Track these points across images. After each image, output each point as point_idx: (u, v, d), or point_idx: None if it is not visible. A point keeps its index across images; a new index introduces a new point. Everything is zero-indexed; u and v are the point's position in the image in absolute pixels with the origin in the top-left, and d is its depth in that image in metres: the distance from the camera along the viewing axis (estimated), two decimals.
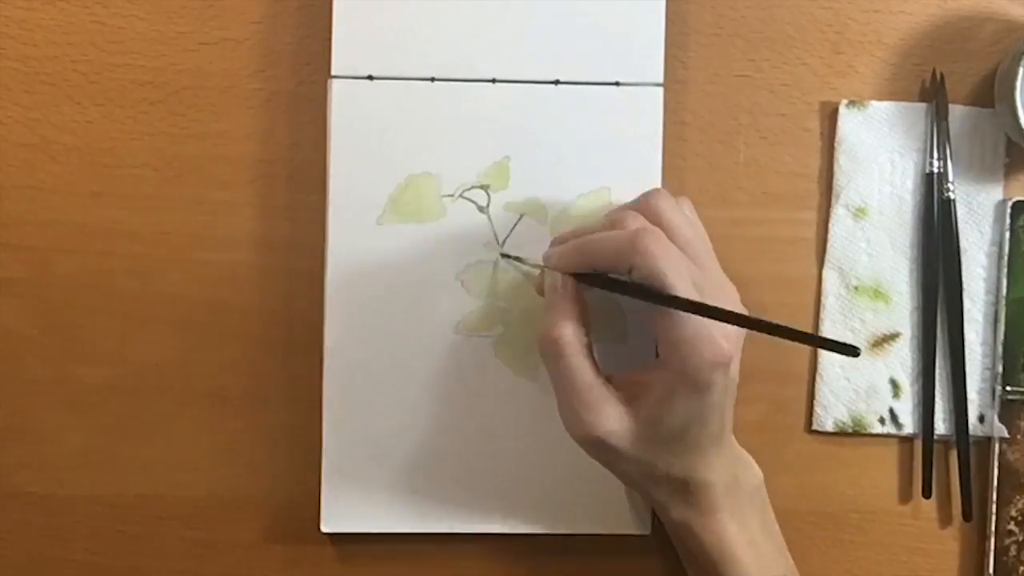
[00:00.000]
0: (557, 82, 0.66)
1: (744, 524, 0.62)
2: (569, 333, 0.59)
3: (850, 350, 0.52)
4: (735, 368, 0.60)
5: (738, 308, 0.60)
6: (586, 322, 0.61)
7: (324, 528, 0.66)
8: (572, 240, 0.62)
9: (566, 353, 0.59)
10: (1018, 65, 0.66)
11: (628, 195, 0.66)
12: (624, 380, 0.61)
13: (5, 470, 0.68)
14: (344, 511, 0.66)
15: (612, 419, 0.59)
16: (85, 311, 0.67)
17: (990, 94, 0.69)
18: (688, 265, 0.58)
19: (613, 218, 0.61)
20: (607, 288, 0.60)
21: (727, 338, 0.57)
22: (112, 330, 0.67)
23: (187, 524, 0.68)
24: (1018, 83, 0.66)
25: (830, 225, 0.70)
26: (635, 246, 0.57)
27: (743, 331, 0.59)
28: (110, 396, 0.67)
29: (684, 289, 0.57)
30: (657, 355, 0.63)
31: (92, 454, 0.67)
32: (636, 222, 0.60)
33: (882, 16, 0.69)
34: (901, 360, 0.70)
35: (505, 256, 0.66)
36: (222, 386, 0.68)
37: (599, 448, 0.60)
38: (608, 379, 0.60)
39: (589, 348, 0.60)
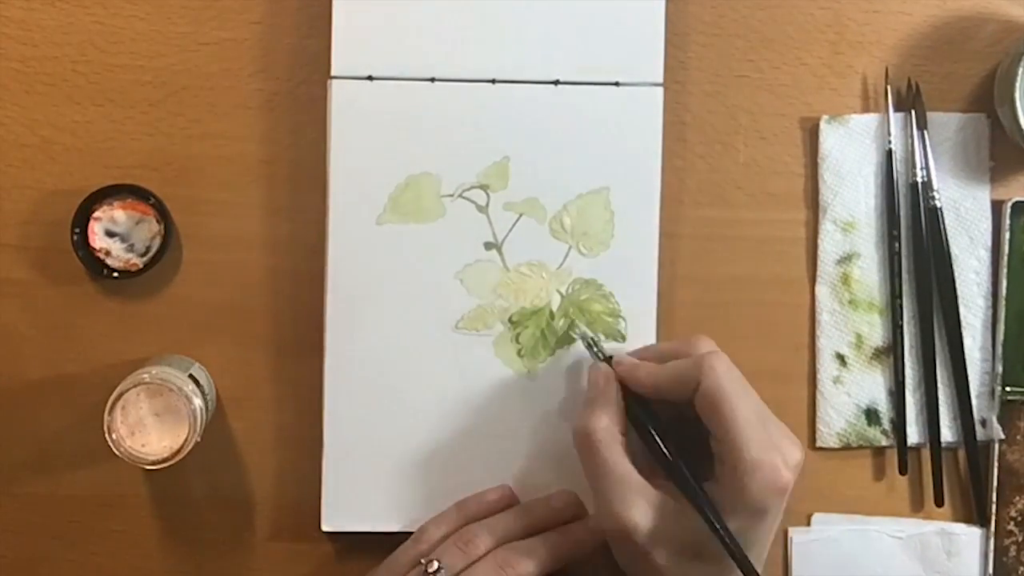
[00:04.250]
0: (557, 82, 0.66)
1: None
2: (604, 427, 0.60)
3: None
4: (787, 499, 0.59)
5: (799, 453, 0.59)
6: (623, 422, 0.61)
7: (324, 527, 0.66)
8: (644, 356, 0.63)
9: (600, 446, 0.59)
10: (1018, 66, 0.66)
11: (628, 195, 0.66)
12: (668, 486, 0.60)
13: (5, 470, 0.68)
14: (344, 510, 0.66)
15: (642, 514, 0.59)
16: (85, 311, 0.67)
17: (990, 95, 0.69)
18: (753, 394, 0.59)
19: (676, 344, 0.63)
20: (643, 425, 0.61)
21: (787, 465, 0.58)
22: (112, 330, 0.67)
23: (187, 524, 0.68)
24: (1018, 84, 0.66)
25: (819, 241, 0.69)
26: (703, 365, 0.58)
27: (803, 457, 0.59)
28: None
29: (745, 412, 0.58)
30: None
31: (92, 454, 0.67)
32: (706, 345, 0.62)
33: (882, 16, 0.69)
34: (900, 370, 0.70)
35: (582, 335, 0.66)
36: (222, 386, 0.68)
37: (626, 542, 0.59)
38: (653, 484, 0.60)
39: (624, 446, 0.60)
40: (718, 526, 0.57)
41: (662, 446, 0.60)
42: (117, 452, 0.60)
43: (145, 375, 0.61)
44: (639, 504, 0.59)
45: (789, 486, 0.58)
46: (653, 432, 0.61)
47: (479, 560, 0.62)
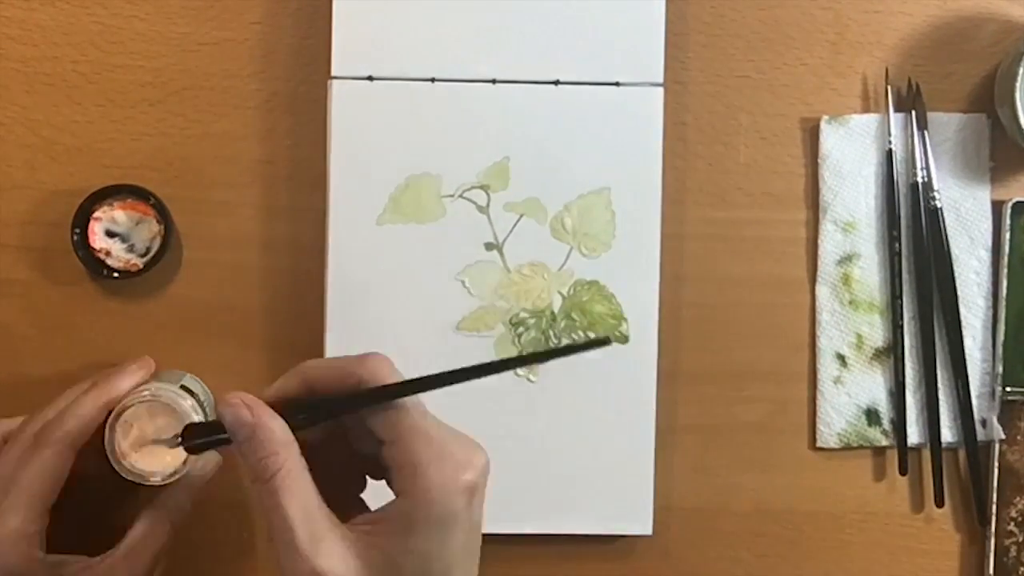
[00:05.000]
0: (557, 82, 0.66)
1: None
2: (288, 460, 0.50)
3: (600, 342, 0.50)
4: (480, 509, 0.52)
5: (480, 456, 0.52)
6: (303, 452, 0.51)
7: None
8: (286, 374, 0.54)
9: (282, 482, 0.50)
10: (1018, 66, 0.65)
11: (629, 195, 0.66)
12: (360, 522, 0.51)
13: None
14: None
15: (335, 557, 0.49)
16: (85, 311, 0.67)
17: (990, 95, 0.69)
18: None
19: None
20: (320, 413, 0.52)
21: (471, 465, 0.51)
22: (112, 330, 0.67)
23: (187, 526, 0.68)
24: (1018, 84, 0.66)
25: (819, 241, 0.69)
26: (364, 362, 0.51)
27: (486, 460, 0.52)
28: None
29: (415, 412, 0.51)
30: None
31: None
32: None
33: (882, 17, 0.69)
34: (900, 370, 0.70)
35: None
36: (221, 386, 0.68)
37: None
38: (340, 522, 0.51)
39: (310, 481, 0.51)
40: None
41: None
42: (120, 471, 0.60)
43: (146, 392, 0.60)
44: (327, 546, 0.50)
45: (475, 486, 0.51)
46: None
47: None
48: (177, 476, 0.60)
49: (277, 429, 0.51)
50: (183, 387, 0.63)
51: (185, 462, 0.60)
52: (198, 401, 0.63)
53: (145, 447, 0.60)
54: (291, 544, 0.49)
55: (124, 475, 0.60)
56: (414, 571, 0.50)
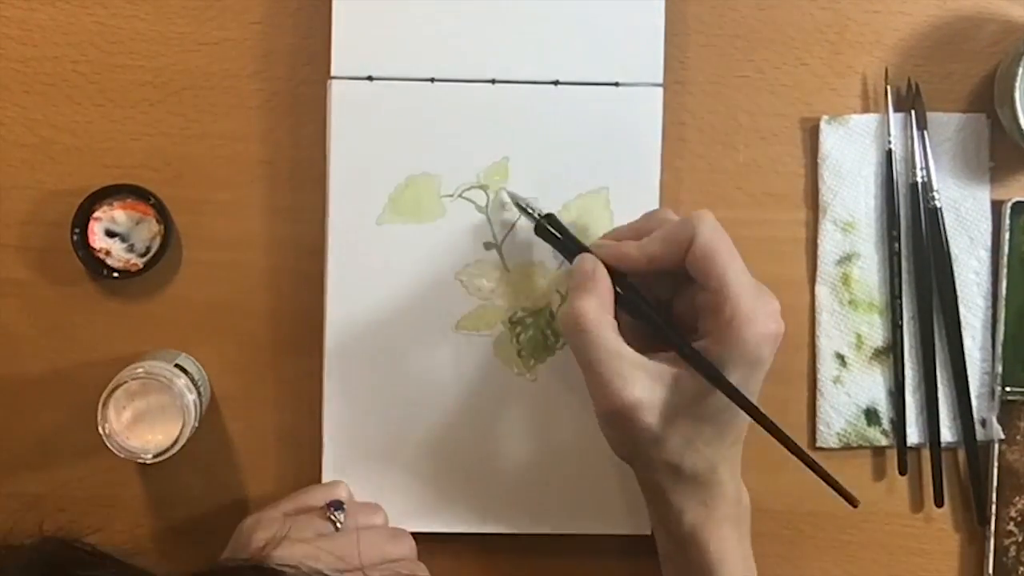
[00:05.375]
0: (557, 82, 0.66)
1: (742, 539, 0.62)
2: (592, 308, 0.58)
3: (851, 501, 0.58)
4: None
5: (777, 302, 0.60)
6: (611, 305, 0.60)
7: None
8: (623, 237, 0.62)
9: (589, 327, 0.58)
10: (1018, 66, 0.66)
11: (627, 195, 0.66)
12: (663, 357, 0.59)
13: (5, 470, 0.68)
14: None
15: (643, 387, 0.58)
16: (84, 311, 0.67)
17: (990, 95, 0.69)
18: (735, 249, 0.59)
19: (656, 216, 0.62)
20: (634, 304, 0.60)
21: (776, 314, 0.59)
22: (112, 330, 0.67)
23: (187, 525, 0.68)
24: (1018, 84, 0.66)
25: (819, 241, 0.69)
26: (695, 222, 0.58)
27: (779, 306, 0.59)
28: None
29: (738, 264, 0.58)
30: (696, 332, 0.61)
31: (92, 455, 0.67)
32: (673, 212, 0.62)
33: (882, 17, 0.69)
34: (900, 370, 0.70)
35: (512, 196, 0.65)
36: (222, 386, 0.68)
37: (627, 421, 0.58)
38: (645, 359, 0.59)
39: (614, 327, 0.59)
40: (726, 381, 0.57)
41: (654, 315, 0.60)
42: (112, 448, 0.60)
43: (140, 369, 0.61)
44: (639, 378, 0.58)
45: (781, 334, 0.58)
46: (646, 303, 0.60)
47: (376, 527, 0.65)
48: (168, 455, 0.61)
49: (602, 292, 0.59)
50: (177, 366, 0.63)
51: (176, 440, 0.61)
52: (192, 380, 0.63)
53: (136, 425, 0.61)
54: (602, 383, 0.58)
55: (116, 452, 0.60)
56: (717, 402, 0.58)
